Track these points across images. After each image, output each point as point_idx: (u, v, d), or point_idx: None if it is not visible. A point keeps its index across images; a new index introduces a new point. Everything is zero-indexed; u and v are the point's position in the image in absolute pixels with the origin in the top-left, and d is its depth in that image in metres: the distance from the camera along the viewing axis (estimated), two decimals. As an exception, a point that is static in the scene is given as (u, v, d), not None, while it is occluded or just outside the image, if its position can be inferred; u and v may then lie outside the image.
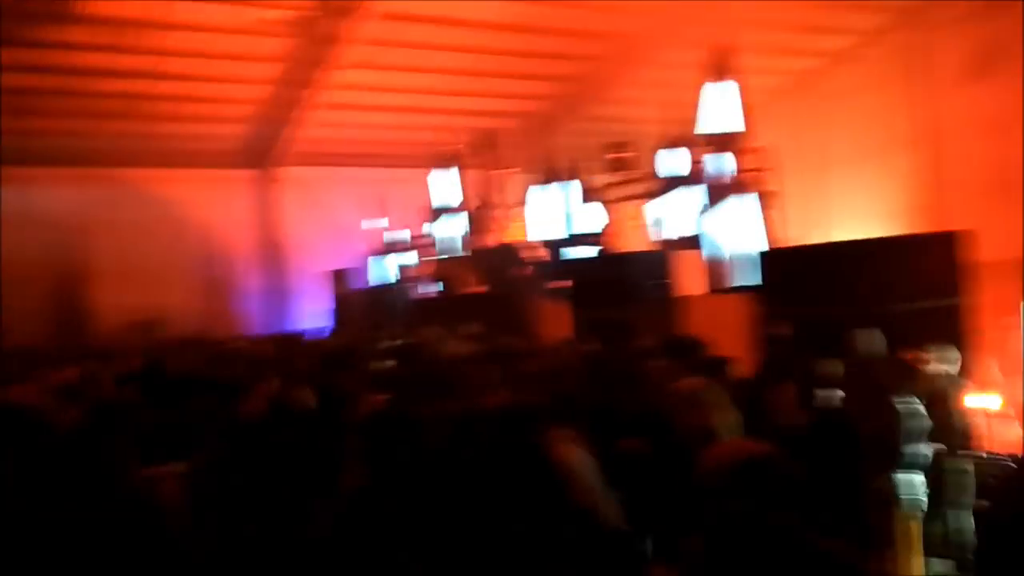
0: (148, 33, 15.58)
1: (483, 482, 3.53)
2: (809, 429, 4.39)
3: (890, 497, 4.61)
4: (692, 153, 12.12)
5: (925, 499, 4.91)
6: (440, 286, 17.13)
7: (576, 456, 3.59)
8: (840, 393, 5.11)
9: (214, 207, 21.09)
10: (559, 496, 3.39)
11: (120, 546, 3.00)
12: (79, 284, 19.45)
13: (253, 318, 21.08)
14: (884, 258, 7.50)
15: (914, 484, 4.87)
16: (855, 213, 18.03)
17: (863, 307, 6.85)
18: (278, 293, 21.74)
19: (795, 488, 2.24)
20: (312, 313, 20.95)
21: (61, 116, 18.11)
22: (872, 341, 5.99)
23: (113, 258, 19.32)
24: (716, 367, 5.89)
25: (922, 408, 4.85)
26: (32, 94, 17.04)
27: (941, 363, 5.57)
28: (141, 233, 19.46)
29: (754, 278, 9.94)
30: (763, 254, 9.73)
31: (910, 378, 4.88)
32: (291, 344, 12.27)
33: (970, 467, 5.43)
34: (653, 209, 12.84)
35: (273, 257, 21.78)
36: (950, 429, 5.33)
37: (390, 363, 7.52)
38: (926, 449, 4.91)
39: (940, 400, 5.27)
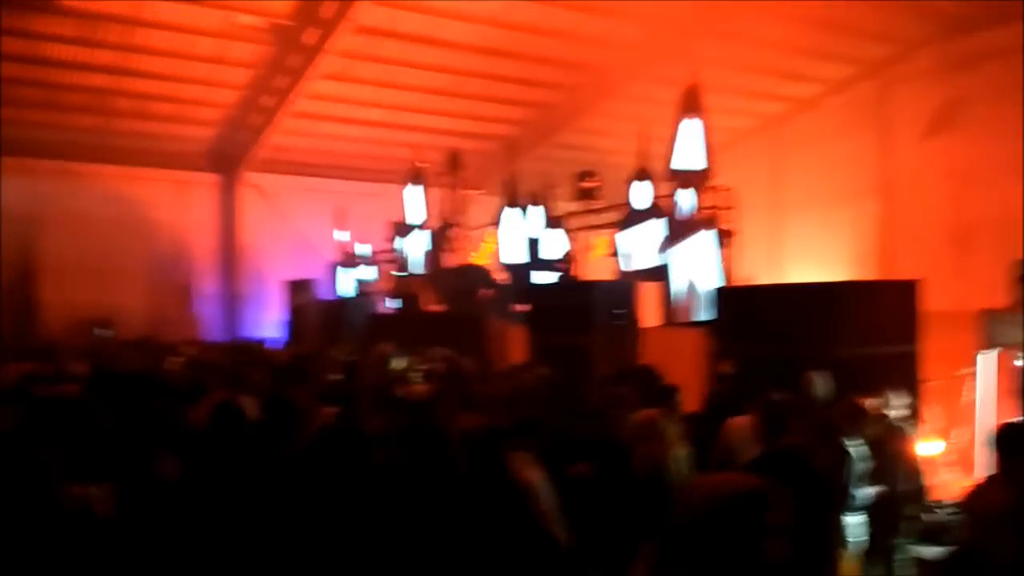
0: (118, 28, 15.40)
1: (446, 498, 3.53)
2: (767, 465, 4.44)
3: (838, 538, 4.66)
4: (656, 187, 12.26)
5: (867, 539, 4.99)
6: (399, 303, 17.03)
7: (537, 477, 3.63)
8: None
9: (174, 209, 20.78)
10: (520, 514, 3.41)
11: (39, 557, 2.92)
12: (27, 279, 18.94)
13: (207, 324, 20.75)
14: (839, 302, 7.63)
15: (858, 525, 4.95)
16: (810, 256, 18.41)
17: (815, 349, 6.96)
18: (234, 300, 21.43)
19: (788, 524, 2.23)
20: (267, 322, 20.69)
21: (20, 105, 17.69)
22: (822, 383, 6.10)
23: (65, 254, 18.89)
24: (668, 398, 5.96)
25: (866, 450, 4.94)
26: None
27: (893, 408, 5.69)
28: (96, 230, 19.08)
29: (709, 314, 10.06)
30: (719, 291, 9.85)
31: (859, 420, 4.96)
32: (243, 352, 12.08)
33: (920, 513, 5.56)
34: (616, 239, 12.95)
35: (231, 263, 21.49)
36: (893, 472, 5.43)
37: (339, 377, 7.43)
38: (869, 490, 5.00)
39: (886, 443, 5.37)
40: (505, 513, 3.43)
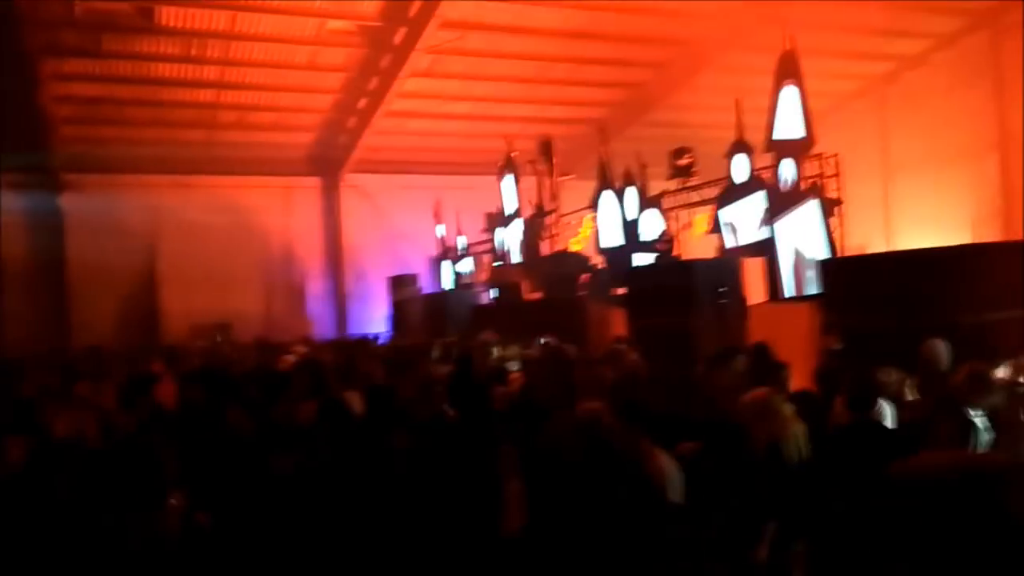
0: (218, 44, 16.02)
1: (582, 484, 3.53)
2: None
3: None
4: (755, 159, 11.89)
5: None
6: (495, 292, 17.14)
7: (667, 463, 3.59)
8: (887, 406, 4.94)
9: (281, 214, 21.55)
10: (656, 500, 3.38)
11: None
12: (148, 288, 20.05)
13: (317, 322, 21.44)
14: (956, 267, 7.22)
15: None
16: (925, 221, 17.53)
17: (932, 318, 6.60)
18: (341, 298, 22.08)
19: None
20: (373, 318, 21.21)
21: (130, 125, 18.74)
22: (943, 351, 5.78)
23: (183, 262, 19.88)
24: (775, 375, 5.78)
25: (986, 420, 4.64)
26: (102, 103, 17.71)
27: (1019, 375, 5.33)
28: (210, 238, 19.98)
29: (817, 287, 9.71)
30: (826, 262, 9.48)
31: (983, 390, 4.67)
32: (352, 348, 12.40)
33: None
34: (716, 215, 12.64)
35: (337, 262, 22.13)
36: (1019, 442, 5.10)
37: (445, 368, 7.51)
38: None
39: (1012, 413, 5.05)
40: (633, 501, 3.39)
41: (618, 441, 3.60)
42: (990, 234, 16.28)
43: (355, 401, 5.22)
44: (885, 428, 4.39)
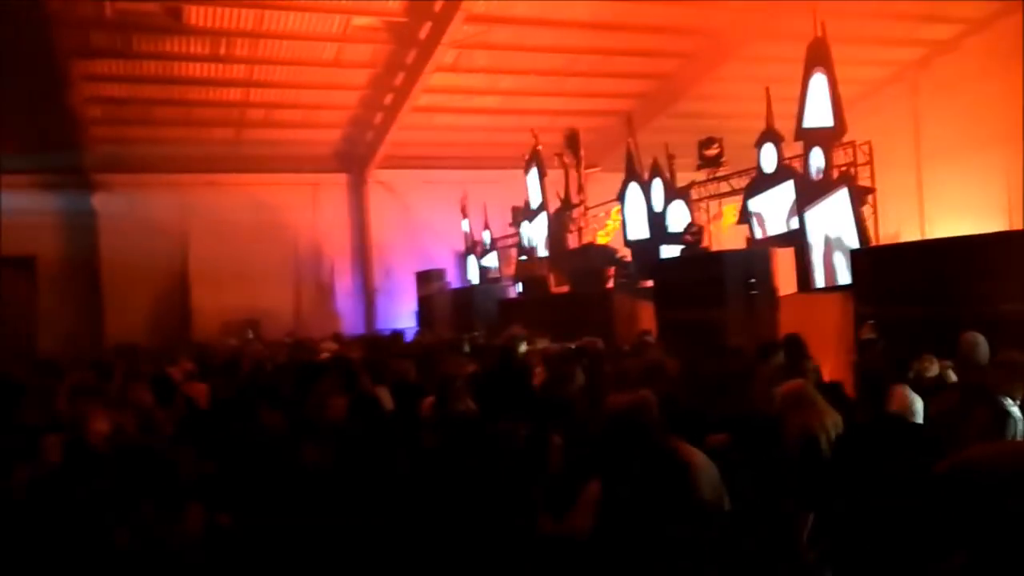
0: (244, 42, 16.14)
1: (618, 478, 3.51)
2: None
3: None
4: (782, 148, 11.75)
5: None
6: (522, 287, 17.13)
7: (701, 459, 3.56)
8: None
9: (309, 211, 21.69)
10: (691, 496, 3.36)
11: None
12: (179, 286, 20.29)
13: (347, 318, 21.57)
14: (991, 255, 7.09)
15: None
16: (959, 208, 17.22)
17: (967, 308, 6.49)
18: (369, 294, 22.19)
19: None
20: (401, 313, 21.30)
21: (160, 124, 18.96)
22: (982, 343, 5.69)
23: (213, 260, 20.05)
24: (805, 369, 5.73)
25: (1018, 411, 4.54)
26: (131, 103, 17.92)
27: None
28: (240, 236, 20.13)
29: (847, 277, 9.58)
30: (857, 252, 9.36)
31: (1016, 378, 4.57)
32: (379, 345, 12.46)
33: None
34: (745, 206, 12.51)
35: (365, 258, 22.24)
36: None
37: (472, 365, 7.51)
38: None
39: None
40: (667, 492, 3.36)
41: (658, 433, 3.57)
42: (1020, 223, 15.98)
43: (384, 398, 5.25)
44: (908, 422, 4.31)
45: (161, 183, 19.57)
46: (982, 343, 5.63)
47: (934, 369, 5.45)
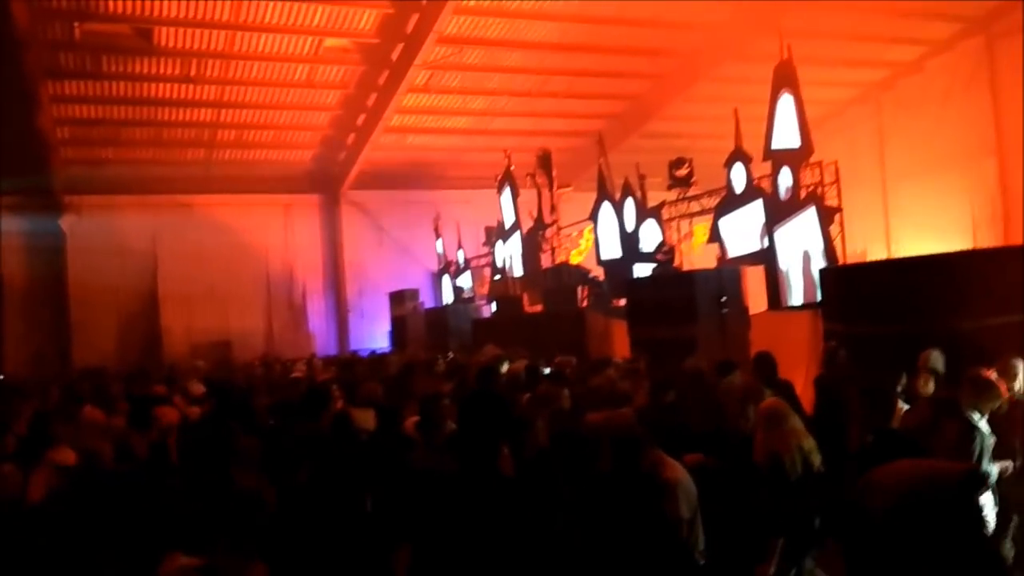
0: (216, 63, 16.10)
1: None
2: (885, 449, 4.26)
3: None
4: (754, 168, 11.91)
5: (993, 518, 4.68)
6: (496, 306, 17.15)
7: (683, 475, 3.56)
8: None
9: (281, 231, 21.60)
10: (658, 513, 3.37)
11: None
12: (148, 308, 20.06)
13: (316, 339, 21.45)
14: (957, 273, 7.24)
15: (986, 504, 4.65)
16: (925, 227, 17.54)
17: (933, 324, 6.61)
18: (343, 314, 22.08)
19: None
20: (375, 334, 21.22)
21: (130, 145, 18.83)
22: (941, 359, 5.80)
23: (182, 282, 19.88)
24: (785, 387, 5.80)
25: (985, 425, 4.64)
26: (102, 124, 17.78)
27: (1008, 379, 5.33)
28: (211, 257, 20.01)
29: (818, 295, 9.71)
30: (825, 270, 9.49)
31: (984, 394, 4.66)
32: (353, 365, 12.40)
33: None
34: (716, 225, 12.65)
35: (338, 279, 22.15)
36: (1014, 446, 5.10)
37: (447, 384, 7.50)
38: (992, 467, 4.68)
39: (1013, 416, 5.05)
40: (646, 511, 3.38)
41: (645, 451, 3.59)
42: (990, 239, 16.32)
43: (367, 419, 5.20)
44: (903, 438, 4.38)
45: (131, 204, 19.40)
46: (939, 359, 5.75)
47: (929, 388, 5.56)
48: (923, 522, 1.94)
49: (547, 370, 7.75)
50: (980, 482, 2.01)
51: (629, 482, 3.46)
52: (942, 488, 2.00)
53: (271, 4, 14.37)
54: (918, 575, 1.94)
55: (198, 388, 8.74)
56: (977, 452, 4.52)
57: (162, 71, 16.03)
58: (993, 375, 4.85)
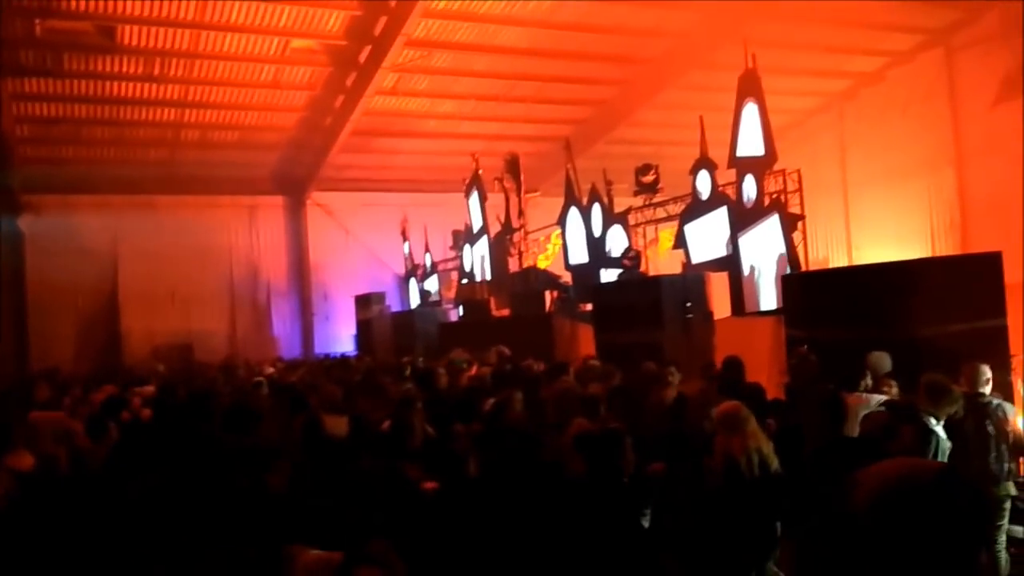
0: (180, 62, 15.90)
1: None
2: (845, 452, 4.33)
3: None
4: (719, 175, 12.04)
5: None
6: (463, 310, 17.14)
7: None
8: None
9: (245, 233, 21.39)
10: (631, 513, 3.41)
11: None
12: (109, 309, 19.74)
13: (284, 341, 21.26)
14: (917, 280, 7.37)
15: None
16: (885, 234, 17.86)
17: (893, 331, 6.73)
18: (308, 317, 21.90)
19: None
20: (340, 337, 21.09)
21: (91, 144, 18.53)
22: (883, 361, 5.92)
23: (143, 284, 19.61)
24: (753, 392, 5.86)
25: (941, 430, 4.73)
26: (62, 123, 17.48)
27: (979, 385, 5.44)
28: (171, 259, 19.74)
29: (781, 301, 9.83)
30: (789, 277, 9.62)
31: (941, 399, 4.75)
32: (318, 369, 12.31)
33: (1013, 492, 5.32)
34: (681, 231, 12.76)
35: (303, 282, 21.97)
36: (982, 451, 5.21)
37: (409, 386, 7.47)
38: None
39: (971, 422, 5.16)
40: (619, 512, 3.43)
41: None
42: (948, 247, 16.66)
43: (340, 426, 5.12)
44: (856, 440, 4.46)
45: (91, 204, 19.08)
46: (883, 359, 5.89)
47: (893, 391, 5.66)
48: (906, 515, 1.99)
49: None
50: (957, 477, 2.06)
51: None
52: (922, 482, 2.06)
53: (237, 4, 14.23)
54: (902, 569, 1.98)
55: (149, 389, 8.61)
56: (932, 456, 4.62)
57: (125, 70, 15.79)
58: (956, 380, 4.95)
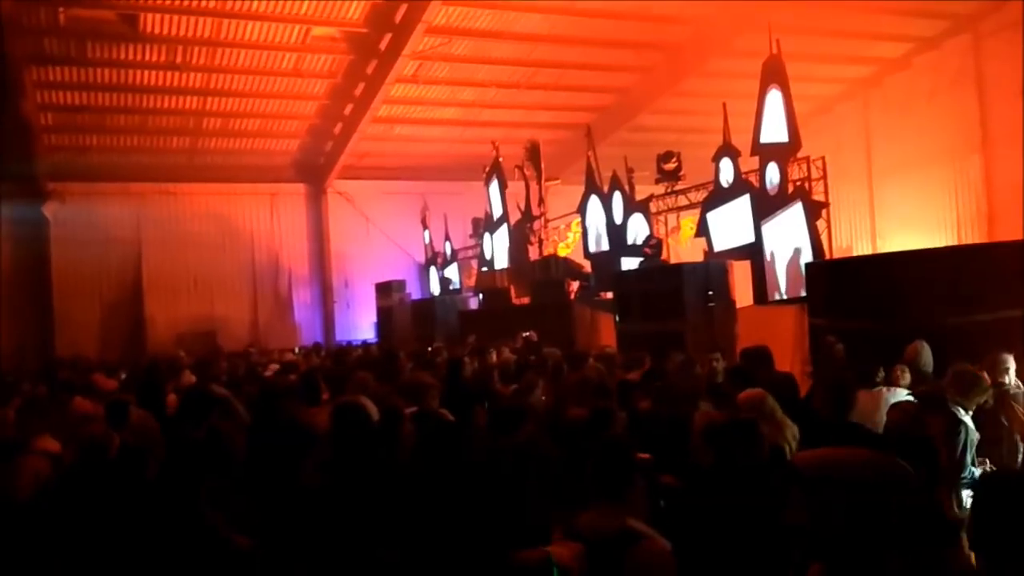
0: (203, 51, 15.96)
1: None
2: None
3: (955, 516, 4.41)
4: (739, 163, 11.93)
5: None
6: (483, 298, 17.14)
7: None
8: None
9: (267, 220, 21.48)
10: None
11: None
12: (133, 297, 19.91)
13: (302, 330, 21.37)
14: (943, 269, 7.29)
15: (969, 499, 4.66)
16: (910, 222, 17.66)
17: (920, 320, 6.65)
18: (326, 305, 22.01)
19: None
20: (359, 325, 21.17)
21: (114, 132, 18.66)
22: (922, 353, 5.84)
23: (166, 271, 19.78)
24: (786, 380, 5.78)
25: (970, 420, 4.65)
26: (86, 111, 17.60)
27: (1007, 375, 5.35)
28: (193, 247, 19.90)
29: (804, 289, 9.75)
30: (811, 265, 9.53)
31: (970, 389, 4.68)
32: (340, 356, 12.35)
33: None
34: (703, 219, 12.67)
35: (324, 269, 22.07)
36: (1010, 442, 5.13)
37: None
38: (975, 469, 4.65)
39: (999, 412, 5.08)
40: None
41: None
42: (974, 235, 16.44)
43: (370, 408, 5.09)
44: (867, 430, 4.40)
45: (115, 192, 19.25)
46: (927, 353, 5.79)
47: (906, 378, 5.58)
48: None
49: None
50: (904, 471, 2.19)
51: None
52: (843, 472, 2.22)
53: (259, -8, 14.27)
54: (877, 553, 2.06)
55: (189, 379, 8.66)
56: (961, 447, 4.55)
57: (147, 58, 15.88)
58: (984, 370, 4.88)
